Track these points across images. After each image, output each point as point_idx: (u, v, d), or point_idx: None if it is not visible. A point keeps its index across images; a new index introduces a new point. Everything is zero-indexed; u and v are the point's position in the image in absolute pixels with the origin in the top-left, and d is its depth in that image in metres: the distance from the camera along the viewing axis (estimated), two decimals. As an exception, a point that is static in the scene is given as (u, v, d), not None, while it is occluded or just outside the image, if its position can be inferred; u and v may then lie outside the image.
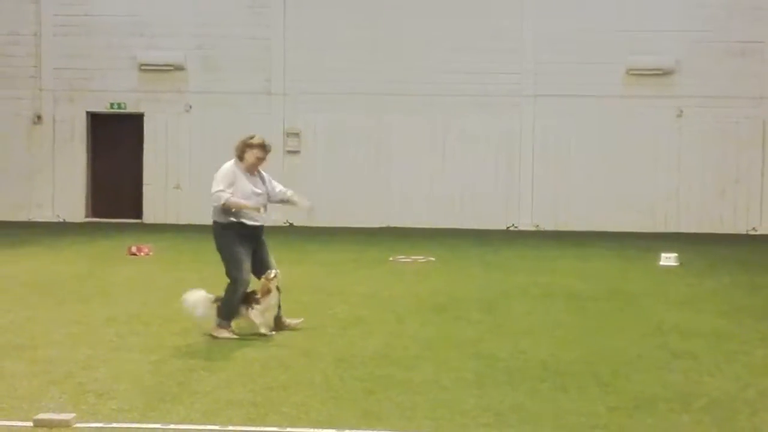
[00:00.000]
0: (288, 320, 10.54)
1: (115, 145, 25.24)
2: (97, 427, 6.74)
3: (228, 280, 10.32)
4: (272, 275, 10.34)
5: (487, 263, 17.12)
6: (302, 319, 10.69)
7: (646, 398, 7.65)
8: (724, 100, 23.79)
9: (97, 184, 25.29)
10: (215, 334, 10.03)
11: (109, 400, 7.41)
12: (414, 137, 24.39)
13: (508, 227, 23.63)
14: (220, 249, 10.45)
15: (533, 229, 23.75)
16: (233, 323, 10.17)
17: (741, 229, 23.83)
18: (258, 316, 10.17)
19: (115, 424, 6.81)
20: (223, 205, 10.30)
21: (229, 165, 10.66)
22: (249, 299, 10.25)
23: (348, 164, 24.47)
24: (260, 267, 10.45)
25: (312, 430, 6.76)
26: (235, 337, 9.99)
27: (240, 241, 10.34)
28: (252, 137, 11.03)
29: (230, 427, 6.78)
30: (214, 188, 10.41)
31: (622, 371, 8.59)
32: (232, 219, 10.35)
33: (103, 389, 7.70)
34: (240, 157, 10.81)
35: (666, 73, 23.84)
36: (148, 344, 9.50)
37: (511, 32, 24.19)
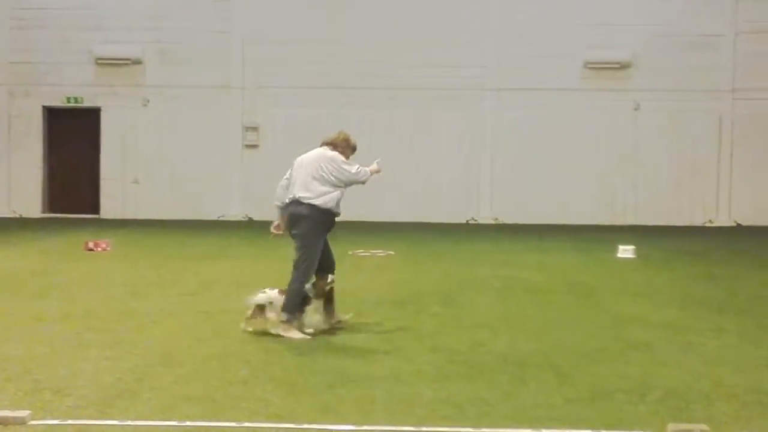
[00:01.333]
0: (340, 315, 10.42)
1: (72, 139, 25.03)
2: (52, 425, 6.68)
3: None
4: (330, 280, 10.32)
5: (447, 257, 17.15)
6: (351, 314, 10.54)
7: (602, 389, 7.70)
8: (681, 94, 23.99)
9: (53, 179, 25.08)
10: (280, 331, 9.71)
11: (65, 396, 7.34)
12: (375, 131, 24.36)
13: (467, 221, 23.70)
14: (309, 238, 10.20)
15: (492, 222, 23.83)
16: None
17: (698, 221, 24.06)
18: (308, 317, 10.05)
19: (71, 421, 6.74)
20: (369, 177, 10.32)
21: (339, 153, 10.40)
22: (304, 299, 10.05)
23: (307, 158, 24.37)
24: (327, 263, 10.42)
25: (271, 424, 6.74)
26: (308, 335, 9.74)
27: (324, 234, 10.26)
28: (354, 140, 10.80)
29: (188, 423, 6.74)
30: (353, 168, 10.23)
31: (580, 363, 8.64)
32: (333, 207, 10.17)
33: (60, 386, 7.63)
34: (339, 152, 10.49)
35: (623, 66, 24.01)
36: (106, 340, 9.42)
37: (474, 26, 24.25)
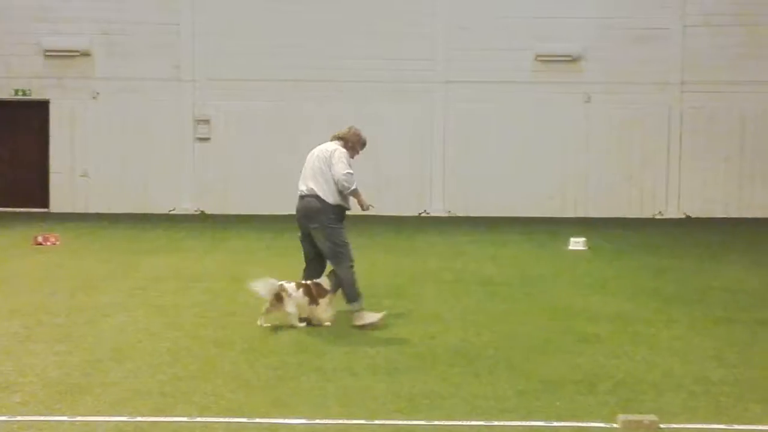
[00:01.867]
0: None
1: (20, 132, 24.69)
2: (0, 421, 6.60)
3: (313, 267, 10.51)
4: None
5: (399, 249, 17.17)
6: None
7: (553, 381, 7.75)
8: (631, 86, 24.16)
9: (1, 173, 24.73)
10: (362, 322, 9.94)
11: (12, 393, 7.26)
12: (326, 123, 24.22)
13: (420, 213, 23.72)
14: (333, 231, 10.29)
15: (445, 215, 23.88)
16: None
17: (647, 213, 24.26)
18: (324, 311, 10.08)
19: (19, 418, 6.67)
20: (352, 191, 10.37)
21: (343, 150, 10.58)
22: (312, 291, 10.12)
23: (259, 151, 24.30)
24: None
25: (222, 419, 6.72)
26: (381, 317, 10.02)
27: (342, 222, 10.49)
28: (364, 136, 11.18)
29: (138, 418, 6.69)
30: (345, 170, 10.33)
31: (531, 355, 8.69)
32: (341, 203, 10.37)
33: (7, 382, 7.55)
34: (349, 147, 10.74)
35: (574, 59, 24.13)
36: (54, 335, 9.33)
37: (423, 18, 24.25)
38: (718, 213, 24.08)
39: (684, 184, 24.28)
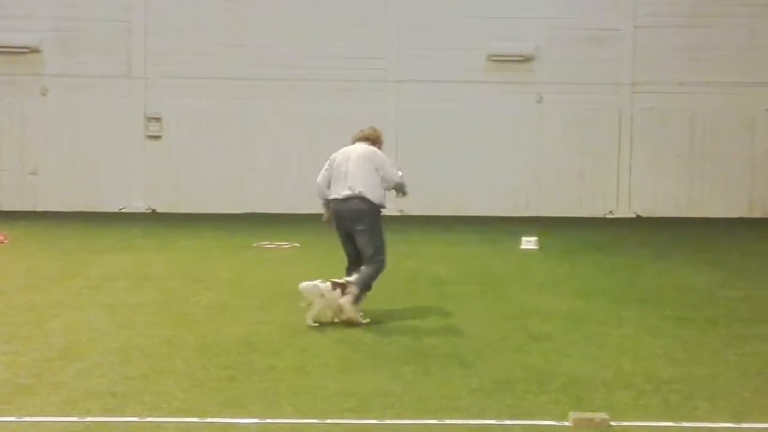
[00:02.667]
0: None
1: (-32, 129, 24.38)
2: (-53, 422, 6.52)
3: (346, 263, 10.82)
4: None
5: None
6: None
7: (505, 379, 7.78)
8: (583, 87, 24.33)
9: (-51, 170, 24.41)
10: (348, 314, 9.99)
11: (-40, 393, 7.17)
12: (278, 122, 24.25)
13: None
14: (378, 231, 10.56)
15: (398, 213, 23.89)
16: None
17: (598, 212, 24.45)
18: (351, 304, 10.07)
19: (-34, 419, 6.59)
20: (405, 192, 10.93)
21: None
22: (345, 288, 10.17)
23: (211, 149, 24.18)
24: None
25: (173, 419, 6.67)
26: (363, 323, 10.06)
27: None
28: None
29: (89, 419, 6.63)
30: (399, 172, 10.76)
31: (484, 354, 8.72)
32: (383, 203, 10.68)
33: (-45, 383, 7.46)
34: (377, 147, 10.96)
35: (526, 59, 24.25)
36: (3, 335, 9.22)
37: (376, 17, 24.26)
38: (669, 212, 24.33)
39: (635, 184, 24.50)
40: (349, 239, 10.65)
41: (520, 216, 23.84)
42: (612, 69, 24.36)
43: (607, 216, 24.37)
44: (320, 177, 10.77)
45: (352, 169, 10.49)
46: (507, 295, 12.14)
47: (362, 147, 10.77)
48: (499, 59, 24.22)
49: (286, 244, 17.27)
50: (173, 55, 23.99)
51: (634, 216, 24.38)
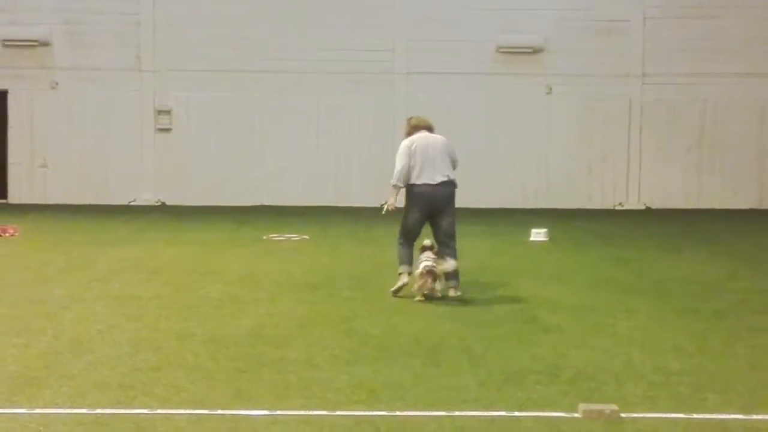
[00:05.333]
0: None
1: (-23, 123, 24.43)
2: (-42, 414, 6.54)
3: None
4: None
5: (360, 241, 17.16)
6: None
7: (515, 371, 7.78)
8: (592, 78, 24.27)
9: (-41, 164, 24.47)
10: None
11: (-29, 386, 7.20)
12: (287, 115, 24.24)
13: (381, 204, 23.65)
14: (455, 208, 11.78)
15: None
16: None
17: (608, 204, 24.40)
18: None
19: (-23, 411, 6.62)
20: None
21: None
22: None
23: (221, 142, 24.19)
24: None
25: (183, 411, 6.68)
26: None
27: None
28: None
29: (99, 411, 6.64)
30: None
31: (493, 346, 8.72)
32: None
33: (-35, 375, 7.48)
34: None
35: (535, 51, 24.19)
36: (13, 327, 9.24)
37: (383, 10, 24.22)
38: (678, 204, 24.27)
39: (644, 176, 24.44)
40: (426, 219, 11.55)
41: (529, 208, 23.81)
42: (622, 60, 24.29)
43: (617, 208, 24.32)
44: (403, 163, 11.43)
45: (439, 157, 11.46)
46: (516, 287, 12.13)
47: (439, 136, 11.83)
48: (508, 51, 24.16)
49: (295, 237, 17.28)
50: (183, 47, 23.99)
51: (643, 208, 24.33)
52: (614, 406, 6.72)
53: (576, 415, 6.66)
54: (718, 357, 8.44)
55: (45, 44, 23.92)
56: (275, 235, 17.44)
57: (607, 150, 24.46)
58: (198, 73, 24.05)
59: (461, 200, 23.40)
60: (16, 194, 24.11)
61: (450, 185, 11.51)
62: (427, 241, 11.52)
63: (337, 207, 23.32)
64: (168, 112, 24.20)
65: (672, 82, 24.25)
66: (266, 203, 23.81)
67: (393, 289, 11.29)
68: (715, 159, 24.48)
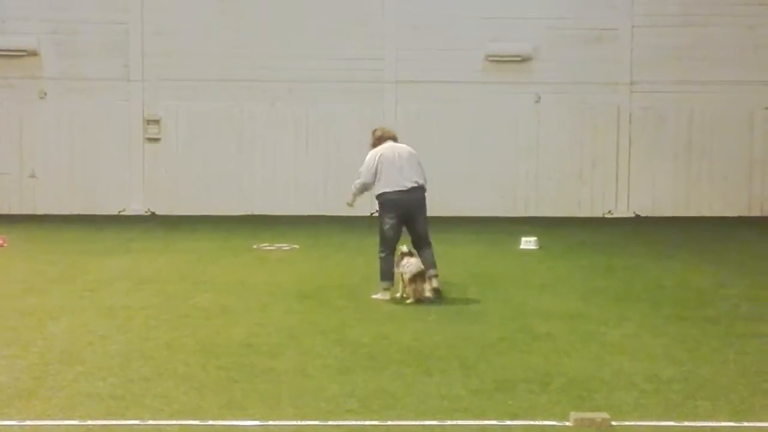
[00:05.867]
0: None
1: (-34, 133, 24.37)
2: (-52, 426, 6.52)
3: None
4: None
5: (350, 250, 17.14)
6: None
7: (506, 380, 7.78)
8: (581, 86, 24.33)
9: (-53, 174, 24.39)
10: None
11: (-39, 397, 7.17)
12: (276, 124, 24.25)
13: (371, 213, 23.68)
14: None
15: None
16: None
17: (598, 212, 24.45)
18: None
19: (-32, 423, 6.59)
20: None
21: None
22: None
23: (210, 151, 24.17)
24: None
25: (174, 421, 6.67)
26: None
27: None
28: None
29: (90, 422, 6.63)
30: None
31: (484, 354, 8.73)
32: None
33: (-45, 386, 7.45)
34: None
35: (524, 59, 24.24)
36: (3, 339, 9.21)
37: (373, 18, 24.25)
38: (667, 212, 24.32)
39: (633, 184, 24.50)
40: (402, 224, 11.98)
41: (519, 216, 23.84)
42: (610, 68, 24.36)
43: (606, 216, 24.37)
44: (371, 171, 11.90)
45: (407, 164, 11.97)
46: (507, 296, 12.15)
47: (405, 145, 12.32)
48: (497, 59, 24.21)
49: (285, 246, 17.27)
50: (172, 57, 23.98)
51: (633, 215, 24.38)
52: (605, 415, 6.73)
53: (567, 423, 6.66)
54: (709, 364, 8.46)
55: (33, 54, 23.87)
56: (265, 244, 17.43)
57: (596, 158, 24.52)
58: (187, 82, 24.04)
59: (450, 208, 23.69)
60: (4, 205, 24.03)
61: (421, 190, 12.05)
62: (404, 248, 11.87)
63: (327, 216, 23.30)
64: (157, 122, 24.18)
65: (660, 90, 24.33)
66: (256, 212, 23.79)
67: (374, 296, 11.78)
68: (703, 166, 24.55)
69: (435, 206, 23.63)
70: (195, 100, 24.04)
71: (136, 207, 24.04)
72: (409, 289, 11.46)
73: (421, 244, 12.08)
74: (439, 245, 17.63)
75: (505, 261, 15.68)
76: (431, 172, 23.73)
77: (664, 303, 11.62)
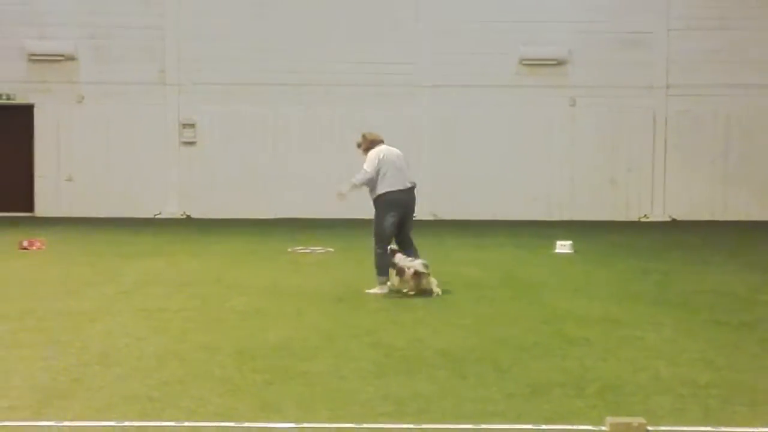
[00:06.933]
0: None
1: (4, 136, 24.64)
2: (-12, 426, 6.58)
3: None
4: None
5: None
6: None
7: (541, 384, 7.75)
8: (616, 90, 24.25)
9: (-14, 177, 24.67)
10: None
11: (0, 398, 7.22)
12: (311, 128, 24.32)
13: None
14: None
15: (431, 218, 23.89)
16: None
17: (633, 216, 24.34)
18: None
19: (6, 422, 6.63)
20: None
21: None
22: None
23: (245, 155, 24.29)
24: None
25: (210, 423, 6.69)
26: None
27: None
28: None
29: (126, 423, 6.66)
30: None
31: (519, 358, 8.69)
32: None
33: (-5, 387, 7.52)
34: None
35: (559, 63, 24.19)
36: (41, 340, 9.29)
37: (407, 22, 24.29)
38: (703, 216, 24.18)
39: (669, 187, 24.37)
40: (401, 223, 12.50)
41: (554, 220, 23.76)
42: (645, 72, 24.26)
43: (642, 220, 24.25)
44: (374, 168, 12.36)
45: (404, 165, 12.61)
46: (542, 300, 12.10)
47: (392, 148, 12.73)
48: (531, 63, 24.18)
49: (320, 249, 17.31)
50: (207, 61, 24.14)
51: (668, 219, 24.25)
52: (642, 419, 6.68)
53: (603, 428, 6.62)
54: (747, 369, 8.38)
55: (71, 59, 24.13)
56: (300, 247, 17.47)
57: (632, 161, 24.41)
58: (222, 86, 24.18)
59: (485, 212, 23.64)
60: (42, 207, 24.28)
61: (414, 189, 12.73)
62: (394, 245, 12.47)
63: (361, 219, 23.26)
64: (192, 126, 24.34)
65: (696, 94, 24.20)
66: (291, 216, 23.86)
67: (370, 291, 12.35)
68: (740, 170, 24.39)
69: (469, 210, 23.89)
70: (230, 104, 24.17)
71: (171, 210, 24.20)
72: (412, 283, 12.11)
73: (407, 243, 12.64)
74: (473, 249, 17.73)
75: (540, 265, 15.63)
76: (465, 176, 24.05)
77: (700, 308, 11.53)
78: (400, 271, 12.16)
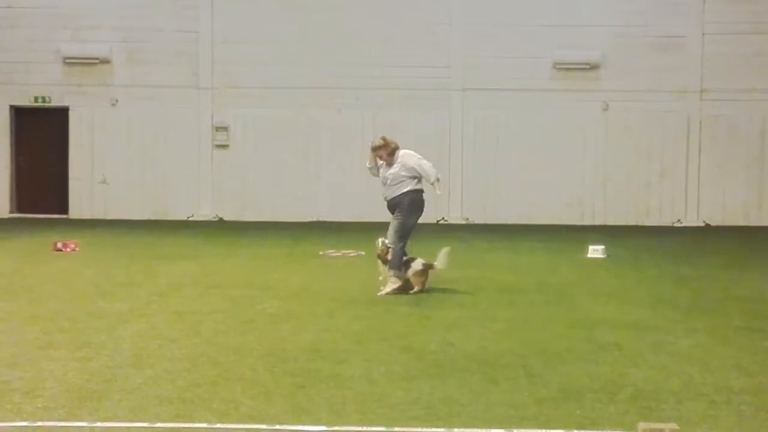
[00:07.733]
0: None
1: (39, 139, 24.85)
2: (21, 426, 6.63)
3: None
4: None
5: (417, 256, 17.09)
6: None
7: (573, 389, 7.72)
8: (649, 94, 24.12)
9: (21, 179, 24.88)
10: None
11: (34, 398, 7.28)
12: (343, 131, 24.36)
13: (438, 221, 23.67)
14: None
15: (463, 222, 23.86)
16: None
17: (666, 221, 24.19)
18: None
19: (40, 423, 6.69)
20: None
21: None
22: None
23: (277, 158, 24.36)
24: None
25: (241, 425, 6.72)
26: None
27: None
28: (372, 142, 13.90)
29: (159, 424, 6.70)
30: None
31: (551, 363, 8.66)
32: None
33: (28, 388, 7.57)
34: None
35: (592, 67, 24.10)
36: (74, 341, 9.36)
37: (440, 26, 24.28)
38: (738, 221, 23.99)
39: (703, 192, 24.21)
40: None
41: (586, 224, 23.67)
42: (679, 76, 24.11)
43: (676, 225, 24.11)
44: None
45: None
46: (574, 304, 12.06)
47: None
48: (564, 67, 24.10)
49: (351, 252, 17.32)
50: (240, 65, 24.24)
51: (702, 225, 24.09)
52: (674, 425, 6.63)
53: (635, 433, 6.59)
54: (780, 376, 8.32)
55: (105, 62, 24.30)
56: (331, 250, 17.50)
57: (665, 166, 24.27)
58: (255, 89, 24.28)
59: (517, 216, 23.58)
60: (76, 209, 24.46)
61: None
62: (387, 241, 12.99)
63: (392, 223, 23.27)
64: (225, 129, 24.44)
65: (731, 98, 24.03)
66: (322, 219, 23.91)
67: (384, 293, 12.61)
68: (776, 175, 24.19)
69: (501, 214, 23.82)
70: (263, 108, 24.25)
71: (204, 212, 24.31)
72: (418, 280, 12.70)
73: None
74: (505, 253, 17.68)
75: (573, 269, 15.57)
76: (498, 180, 24.00)
77: (734, 314, 11.44)
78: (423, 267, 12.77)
